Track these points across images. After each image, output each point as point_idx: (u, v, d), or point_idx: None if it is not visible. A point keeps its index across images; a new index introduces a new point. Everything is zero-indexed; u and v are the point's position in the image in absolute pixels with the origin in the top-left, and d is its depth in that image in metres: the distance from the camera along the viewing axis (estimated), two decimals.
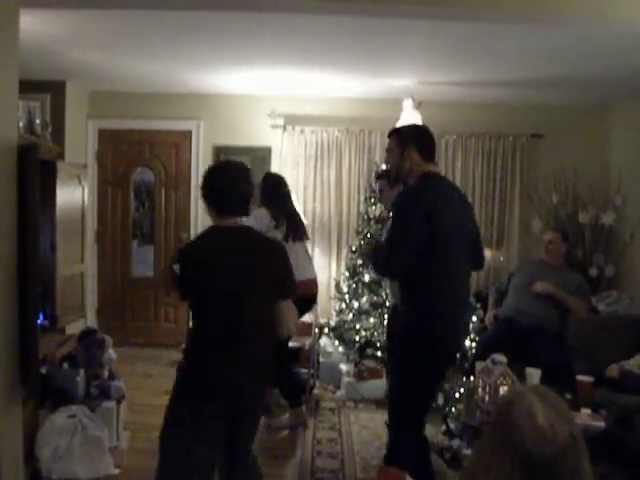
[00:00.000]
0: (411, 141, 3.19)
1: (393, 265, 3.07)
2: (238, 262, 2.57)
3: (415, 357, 3.01)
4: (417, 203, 3.02)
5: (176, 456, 2.58)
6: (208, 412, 2.56)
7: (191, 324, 2.74)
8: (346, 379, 5.22)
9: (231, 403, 2.64)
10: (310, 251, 6.07)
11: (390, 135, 3.35)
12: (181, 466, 2.57)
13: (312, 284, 4.64)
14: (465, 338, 4.61)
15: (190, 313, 2.75)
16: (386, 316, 4.81)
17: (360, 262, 5.45)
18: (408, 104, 5.46)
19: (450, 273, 3.06)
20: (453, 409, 3.76)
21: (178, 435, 2.57)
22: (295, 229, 4.55)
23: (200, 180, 2.76)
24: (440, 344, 3.03)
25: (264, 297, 2.64)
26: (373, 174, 5.76)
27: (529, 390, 1.42)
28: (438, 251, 2.99)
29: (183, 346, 2.75)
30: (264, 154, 6.36)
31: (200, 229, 6.19)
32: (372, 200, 5.52)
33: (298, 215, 4.72)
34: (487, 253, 6.35)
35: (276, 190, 4.60)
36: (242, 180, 2.68)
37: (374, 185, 5.56)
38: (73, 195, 3.89)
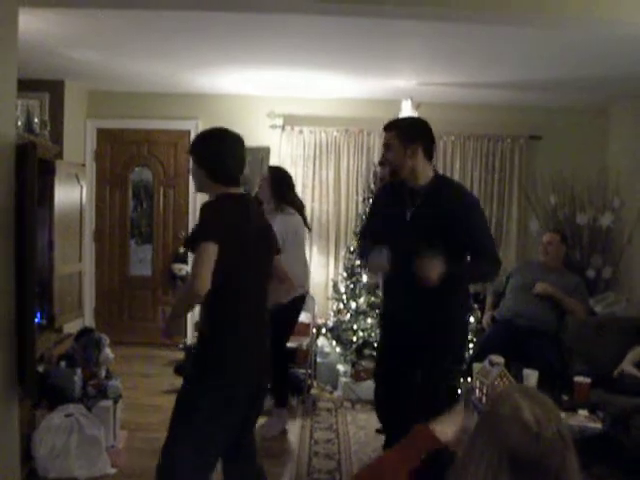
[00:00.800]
0: (419, 139, 3.05)
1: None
2: (259, 230, 2.60)
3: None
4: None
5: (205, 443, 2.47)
6: (242, 393, 2.51)
7: (216, 305, 2.48)
8: (343, 380, 5.23)
9: (255, 381, 2.61)
10: (308, 251, 6.10)
11: (389, 128, 3.13)
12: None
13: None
14: None
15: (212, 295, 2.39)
16: None
17: (358, 263, 5.44)
18: (407, 105, 5.46)
19: None
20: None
21: (212, 419, 2.46)
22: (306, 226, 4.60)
23: (196, 145, 2.66)
24: None
25: (271, 263, 2.71)
26: (372, 174, 5.77)
27: (516, 389, 1.44)
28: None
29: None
30: (263, 154, 6.35)
31: None
32: (371, 201, 5.51)
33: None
34: None
35: (284, 184, 4.56)
36: (243, 148, 2.67)
37: (372, 185, 5.57)
38: (71, 194, 3.89)
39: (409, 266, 2.91)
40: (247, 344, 2.53)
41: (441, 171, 6.06)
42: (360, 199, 6.07)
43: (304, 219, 4.57)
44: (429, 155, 3.11)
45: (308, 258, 6.09)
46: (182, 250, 6.35)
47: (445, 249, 2.94)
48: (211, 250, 2.32)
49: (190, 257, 6.09)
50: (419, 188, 3.13)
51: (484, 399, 3.37)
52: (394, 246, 3.08)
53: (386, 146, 3.14)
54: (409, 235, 3.10)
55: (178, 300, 2.70)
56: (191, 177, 2.70)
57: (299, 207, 4.55)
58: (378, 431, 4.12)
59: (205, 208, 2.49)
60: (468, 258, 3.19)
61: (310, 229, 4.72)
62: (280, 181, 4.50)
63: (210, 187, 2.58)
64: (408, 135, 3.05)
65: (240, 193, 2.63)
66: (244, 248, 2.46)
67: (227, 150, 2.60)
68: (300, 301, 4.43)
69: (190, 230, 2.46)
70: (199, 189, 2.67)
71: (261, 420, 4.48)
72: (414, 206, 3.14)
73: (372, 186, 5.54)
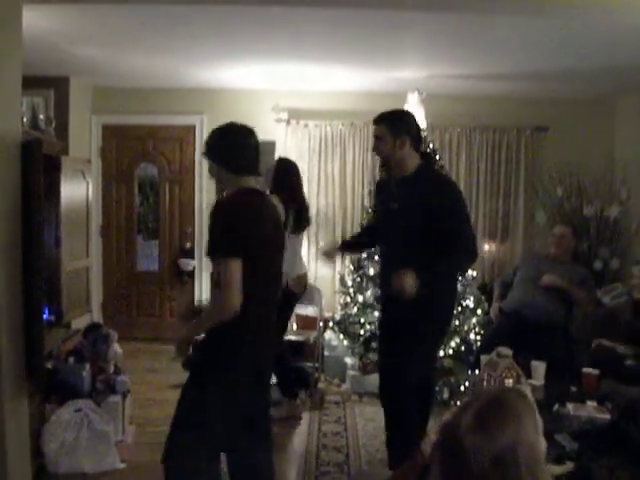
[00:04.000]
0: (406, 131, 3.17)
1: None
2: (273, 224, 2.65)
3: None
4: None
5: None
6: (245, 385, 2.57)
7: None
8: (351, 372, 5.23)
9: (259, 375, 2.68)
10: (314, 244, 6.12)
11: (379, 122, 3.25)
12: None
13: (304, 277, 4.72)
14: None
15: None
16: None
17: (365, 256, 5.44)
18: (413, 98, 5.43)
19: None
20: (458, 402, 3.76)
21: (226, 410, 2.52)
22: (299, 222, 4.54)
23: (210, 139, 2.66)
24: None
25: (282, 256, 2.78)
26: (378, 167, 5.75)
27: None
28: None
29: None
30: (268, 148, 6.33)
31: (205, 223, 6.18)
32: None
33: (307, 207, 4.72)
34: (492, 246, 6.36)
35: (286, 177, 4.57)
36: (254, 137, 2.71)
37: (378, 178, 5.56)
38: (77, 190, 3.90)
39: (398, 256, 3.16)
40: (255, 338, 2.57)
41: (447, 163, 6.08)
42: (366, 192, 6.08)
43: (302, 218, 4.57)
44: (416, 146, 3.23)
45: (314, 252, 6.15)
46: (189, 246, 6.43)
47: (426, 238, 3.08)
48: (236, 266, 2.36)
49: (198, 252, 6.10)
50: (406, 178, 3.25)
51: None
52: (386, 237, 3.38)
53: (376, 138, 3.27)
54: (397, 225, 3.25)
55: (206, 316, 2.63)
56: (211, 178, 2.70)
57: (299, 203, 4.55)
58: None
59: (221, 212, 2.48)
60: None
61: (302, 230, 4.68)
62: (282, 174, 4.51)
63: (229, 180, 2.60)
64: (397, 127, 3.18)
65: (254, 188, 2.63)
66: (260, 248, 2.49)
67: (238, 140, 2.63)
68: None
69: (205, 230, 2.48)
70: (221, 188, 2.71)
71: None
72: (401, 196, 3.26)
73: (378, 179, 5.52)
